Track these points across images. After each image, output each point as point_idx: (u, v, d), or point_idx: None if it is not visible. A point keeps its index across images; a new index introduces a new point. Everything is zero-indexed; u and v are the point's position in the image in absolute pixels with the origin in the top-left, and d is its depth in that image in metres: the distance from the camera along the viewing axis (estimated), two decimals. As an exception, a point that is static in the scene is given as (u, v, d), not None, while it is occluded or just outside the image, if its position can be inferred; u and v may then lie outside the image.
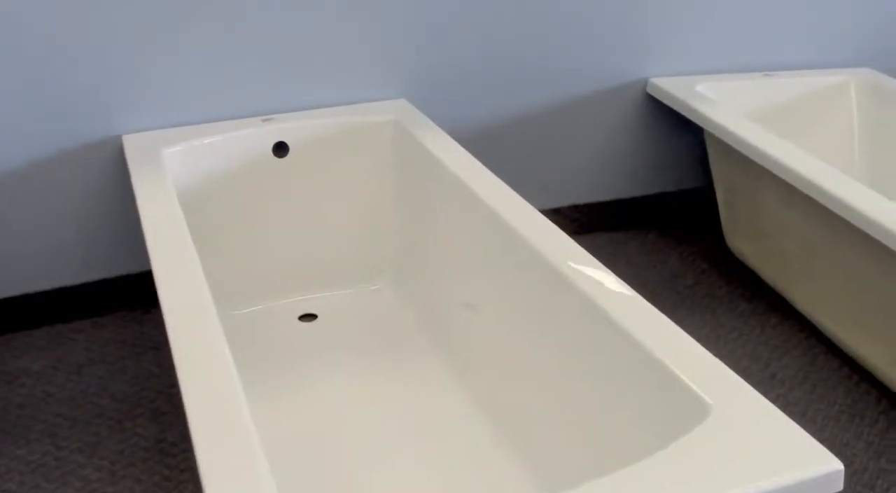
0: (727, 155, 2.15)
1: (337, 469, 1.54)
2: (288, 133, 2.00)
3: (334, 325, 1.97)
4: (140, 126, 1.95)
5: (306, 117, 2.02)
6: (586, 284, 1.37)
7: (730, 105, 2.30)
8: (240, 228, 2.00)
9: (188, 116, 1.98)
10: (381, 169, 2.05)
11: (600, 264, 1.42)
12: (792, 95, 2.37)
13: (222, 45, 1.93)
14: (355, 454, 1.57)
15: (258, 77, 1.99)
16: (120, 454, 1.66)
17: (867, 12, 2.46)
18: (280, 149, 2.00)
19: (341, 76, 2.06)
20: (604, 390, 1.32)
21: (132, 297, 2.09)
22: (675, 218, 2.56)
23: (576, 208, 2.45)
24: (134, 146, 1.88)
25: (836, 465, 1.00)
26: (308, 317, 2.01)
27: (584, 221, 2.48)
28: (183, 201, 1.88)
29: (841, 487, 1.00)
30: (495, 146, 2.28)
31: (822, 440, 1.69)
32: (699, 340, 1.99)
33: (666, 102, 2.25)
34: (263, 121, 2.00)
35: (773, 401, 1.80)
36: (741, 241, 2.23)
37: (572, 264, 1.42)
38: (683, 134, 2.46)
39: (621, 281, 1.38)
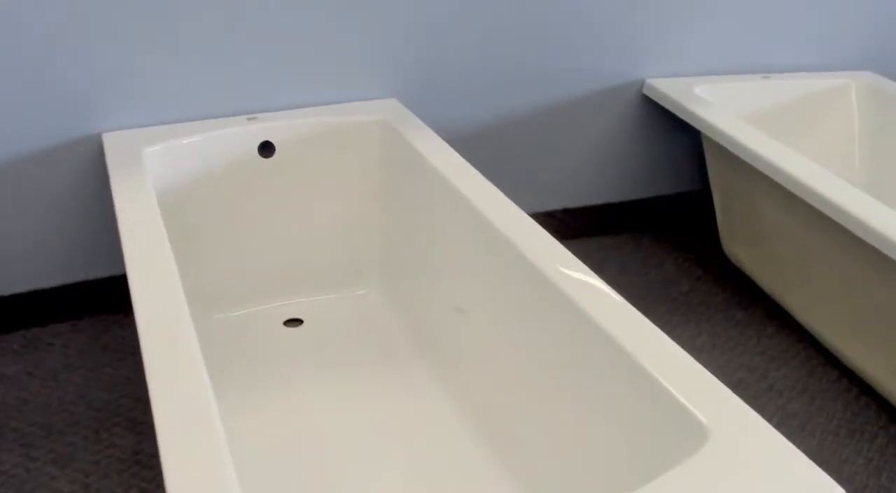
0: (724, 158, 2.09)
1: (317, 481, 1.49)
2: (274, 133, 1.94)
3: (320, 330, 1.92)
4: (122, 124, 1.89)
5: (293, 116, 1.96)
6: (575, 291, 1.32)
7: (727, 107, 2.25)
8: (224, 230, 1.94)
9: (172, 114, 1.92)
10: (368, 170, 1.99)
11: (590, 271, 1.37)
12: (791, 98, 2.32)
13: (208, 41, 1.86)
14: (337, 465, 1.52)
15: (244, 75, 1.93)
16: (95, 465, 1.60)
17: (868, 14, 2.41)
18: (266, 149, 1.94)
19: (330, 75, 2.00)
20: (596, 408, 1.26)
21: (112, 300, 2.03)
22: (670, 222, 2.51)
23: (569, 212, 2.40)
24: (114, 145, 1.82)
25: (838, 491, 0.95)
26: (293, 322, 1.95)
27: (578, 225, 2.43)
28: (165, 202, 1.82)
29: (842, 511, 0.95)
30: (489, 148, 2.22)
31: (821, 457, 1.64)
32: (694, 349, 1.94)
33: (662, 103, 2.20)
34: (249, 120, 1.94)
35: (771, 414, 1.75)
36: (738, 247, 2.18)
37: (561, 270, 1.37)
38: (680, 136, 2.40)
39: (611, 289, 1.33)
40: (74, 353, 1.90)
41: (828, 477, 0.96)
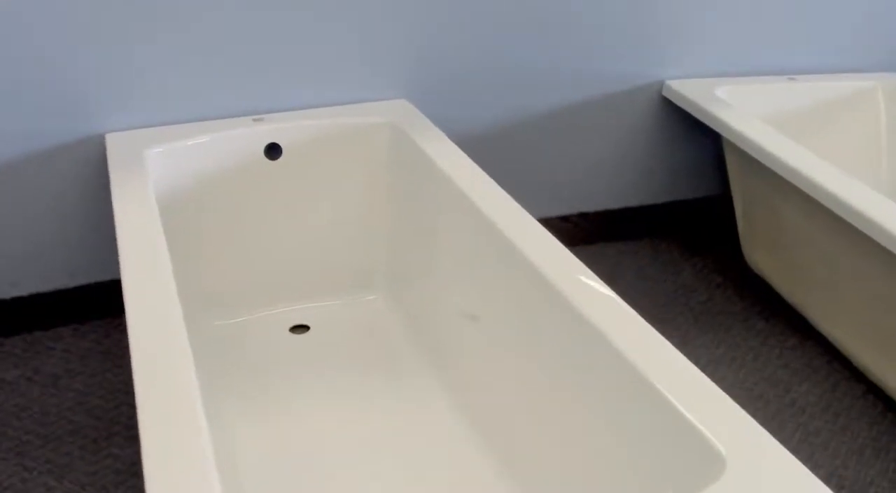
0: (746, 163, 2.02)
1: (320, 491, 1.44)
2: (281, 134, 1.89)
3: (326, 337, 1.87)
4: (126, 125, 1.85)
5: (300, 118, 1.91)
6: (584, 303, 1.26)
7: (750, 110, 2.17)
8: (229, 234, 1.89)
9: (177, 114, 1.87)
10: (377, 173, 1.94)
11: (600, 281, 1.31)
12: (816, 101, 2.24)
13: (214, 40, 1.82)
14: (341, 476, 1.47)
15: (251, 74, 1.88)
16: (92, 475, 1.55)
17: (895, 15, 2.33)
18: (272, 150, 1.89)
19: (339, 75, 1.95)
20: (605, 430, 1.20)
21: (116, 304, 1.99)
22: (689, 228, 2.44)
23: (585, 216, 2.33)
24: (116, 146, 1.77)
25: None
26: (300, 328, 1.90)
27: (594, 230, 2.36)
28: (168, 205, 1.78)
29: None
30: (502, 150, 2.16)
31: (845, 478, 1.57)
32: (713, 361, 1.87)
33: (682, 105, 2.13)
34: (255, 121, 1.89)
35: (792, 432, 1.68)
36: (759, 254, 2.10)
37: (570, 280, 1.31)
38: (700, 139, 2.33)
39: (623, 301, 1.27)
40: (76, 358, 1.86)
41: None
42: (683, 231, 2.43)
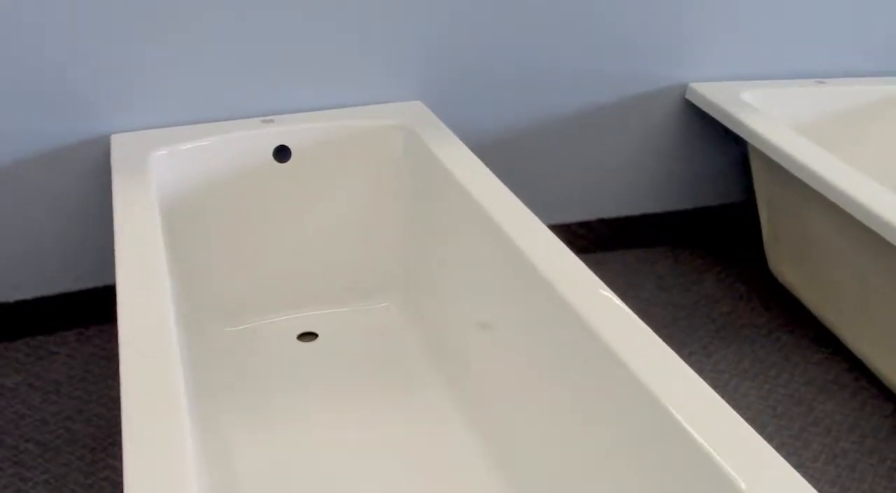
0: (772, 171, 1.94)
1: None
2: (290, 136, 1.84)
3: (335, 345, 1.82)
4: (133, 125, 1.80)
5: (311, 119, 1.86)
6: (596, 319, 1.20)
7: (777, 115, 2.09)
8: (236, 238, 1.84)
9: (184, 115, 1.82)
10: (389, 177, 1.88)
11: (613, 295, 1.25)
12: (847, 106, 2.15)
13: (222, 39, 1.76)
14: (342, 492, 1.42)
15: (260, 74, 1.83)
16: (88, 488, 1.51)
17: (933, 15, 2.24)
18: (281, 153, 1.83)
19: (352, 75, 1.89)
20: (618, 455, 1.14)
21: (121, 308, 1.95)
22: (712, 236, 2.36)
23: (605, 222, 2.26)
24: (121, 148, 1.73)
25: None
26: (308, 335, 1.85)
27: (614, 236, 2.29)
28: (173, 208, 1.73)
29: None
30: (520, 154, 2.10)
31: (872, 502, 1.50)
32: (735, 375, 1.80)
33: (706, 109, 2.05)
34: (264, 122, 1.84)
35: (817, 453, 1.61)
36: (785, 265, 2.03)
37: (580, 293, 1.25)
38: (725, 144, 2.25)
39: (634, 315, 1.21)
40: (79, 363, 1.82)
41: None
42: (706, 239, 2.35)
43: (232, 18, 1.75)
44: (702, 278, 2.17)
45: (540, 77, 2.01)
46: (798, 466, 1.58)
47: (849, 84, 2.17)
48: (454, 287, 1.70)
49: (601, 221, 2.27)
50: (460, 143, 1.74)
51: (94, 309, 1.93)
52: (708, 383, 1.79)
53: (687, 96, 2.13)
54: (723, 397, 1.76)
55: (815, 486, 1.54)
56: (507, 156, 2.09)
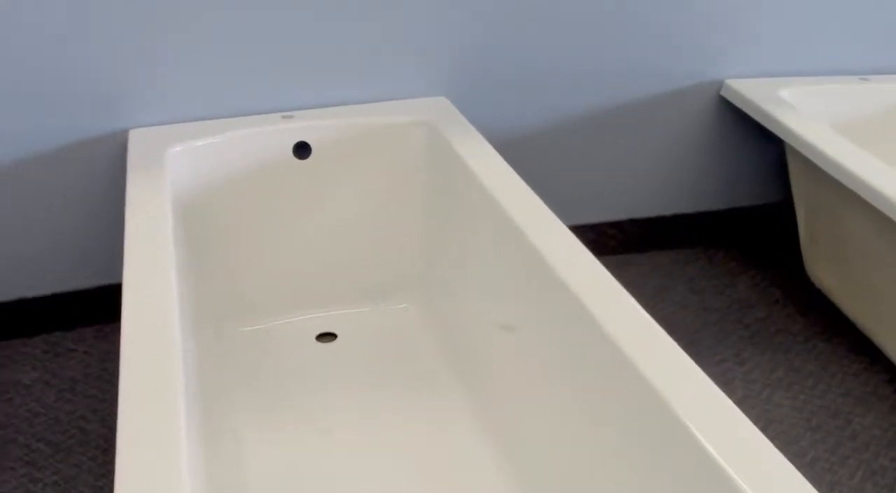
0: (811, 172, 1.86)
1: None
2: (310, 132, 1.79)
3: (354, 346, 1.77)
4: (152, 120, 1.77)
5: (332, 115, 1.81)
6: (614, 326, 1.14)
7: (817, 114, 2.01)
8: (254, 236, 1.81)
9: (204, 109, 1.79)
10: (411, 175, 1.83)
11: (635, 302, 1.19)
12: (891, 104, 2.06)
13: (243, 34, 1.72)
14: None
15: (280, 68, 1.79)
16: (97, 490, 1.48)
17: (985, 9, 2.13)
18: (301, 150, 1.79)
19: (374, 70, 1.84)
20: (633, 469, 1.08)
21: (139, 305, 1.92)
22: (746, 237, 2.28)
23: (636, 222, 2.20)
24: (138, 143, 1.70)
25: None
26: (326, 336, 1.81)
27: (645, 237, 2.22)
28: (190, 205, 1.70)
29: None
30: (548, 151, 2.04)
31: (912, 524, 1.42)
32: (768, 385, 1.73)
33: (742, 107, 1.98)
34: (284, 118, 1.80)
35: (853, 470, 1.53)
36: (823, 270, 1.94)
37: (601, 299, 1.19)
38: (761, 143, 2.17)
39: (651, 320, 1.15)
40: (95, 361, 1.80)
41: None
42: (740, 241, 2.27)
43: (253, 12, 1.70)
44: (735, 282, 2.10)
45: (569, 74, 1.95)
46: (833, 483, 1.51)
47: (892, 82, 2.07)
48: (473, 288, 1.65)
49: (632, 221, 2.20)
50: (483, 140, 1.69)
51: (113, 306, 1.91)
52: (739, 393, 1.73)
53: (722, 93, 2.05)
54: (755, 407, 1.69)
55: (850, 504, 1.47)
56: (535, 153, 2.03)
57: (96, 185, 1.79)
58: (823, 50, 2.08)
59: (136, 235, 1.36)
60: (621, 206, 2.18)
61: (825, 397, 1.72)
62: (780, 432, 1.63)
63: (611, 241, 2.21)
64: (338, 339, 1.80)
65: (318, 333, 1.82)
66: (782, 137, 1.83)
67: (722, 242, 2.27)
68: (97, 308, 1.91)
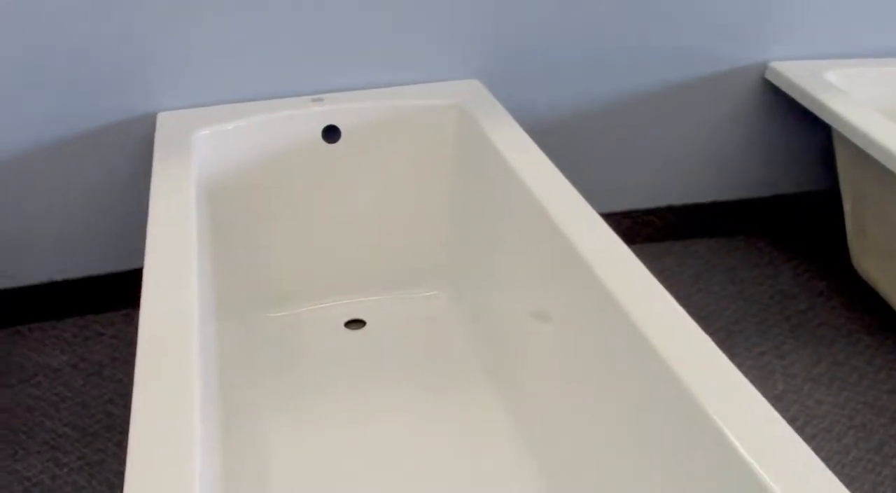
0: (859, 158, 1.79)
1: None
2: (340, 116, 1.76)
3: (382, 334, 1.75)
4: (181, 103, 1.75)
5: (362, 99, 1.78)
6: (644, 315, 1.09)
7: (866, 98, 1.92)
8: (281, 221, 1.78)
9: (232, 92, 1.76)
10: (441, 160, 1.79)
11: (667, 294, 1.14)
12: (945, 88, 1.97)
13: (273, 14, 1.69)
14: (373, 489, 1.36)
15: (311, 51, 1.75)
16: (122, 476, 1.47)
17: None
18: (331, 133, 1.76)
19: (406, 52, 1.80)
20: (665, 478, 1.03)
21: (168, 289, 1.91)
22: (790, 226, 2.21)
23: (674, 210, 2.13)
24: (166, 126, 1.68)
25: None
26: (355, 323, 1.78)
27: (683, 225, 2.16)
28: (217, 189, 1.68)
29: None
30: (583, 136, 1.98)
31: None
32: (809, 379, 1.67)
33: (787, 91, 1.90)
34: (314, 101, 1.77)
35: (898, 471, 1.47)
36: (869, 261, 1.87)
37: (631, 288, 1.14)
38: (807, 129, 2.09)
39: (683, 311, 1.09)
40: (123, 345, 1.80)
41: None
42: (783, 229, 2.20)
43: (280, -8, 1.67)
44: (777, 272, 2.03)
45: (606, 55, 1.89)
46: (877, 484, 1.45)
47: (949, 64, 1.98)
48: (503, 277, 1.61)
49: (670, 209, 2.13)
50: (515, 124, 1.64)
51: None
52: (780, 387, 1.67)
53: (766, 76, 1.98)
54: (795, 402, 1.63)
55: (894, 506, 1.41)
56: (570, 138, 1.98)
57: (127, 168, 1.78)
58: (873, 30, 1.99)
59: (159, 219, 1.34)
60: (659, 192, 2.12)
61: (869, 393, 1.65)
62: (822, 429, 1.57)
63: (647, 228, 2.15)
64: (366, 326, 1.77)
65: (346, 320, 1.79)
66: (829, 122, 1.76)
67: (764, 231, 2.20)
68: (127, 292, 1.90)
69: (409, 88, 1.83)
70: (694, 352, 1.03)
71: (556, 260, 1.34)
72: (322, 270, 1.83)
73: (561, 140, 1.97)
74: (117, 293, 1.89)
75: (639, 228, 2.14)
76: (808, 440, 1.55)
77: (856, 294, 1.94)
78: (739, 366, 1.72)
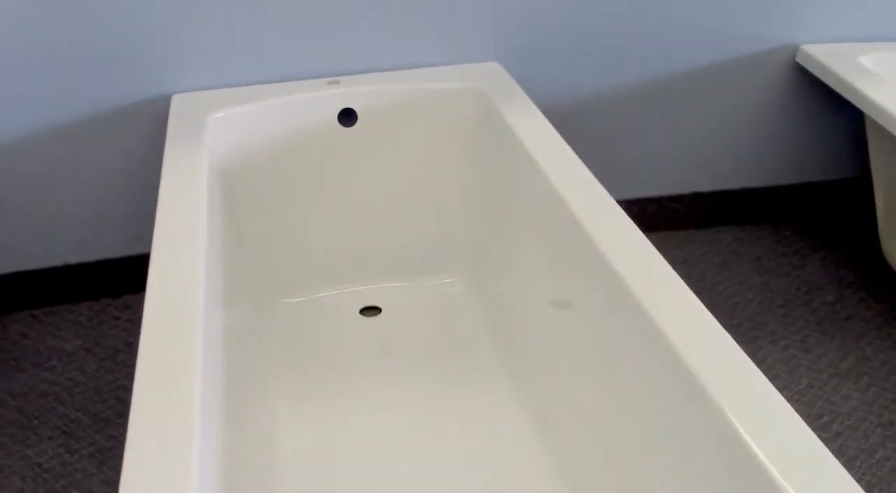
0: (892, 146, 1.72)
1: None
2: (357, 99, 1.73)
3: (398, 321, 1.72)
4: (196, 85, 1.72)
5: (379, 81, 1.74)
6: (658, 306, 1.06)
7: (901, 82, 1.86)
8: (296, 206, 1.76)
9: (248, 74, 1.73)
10: (459, 144, 1.75)
11: (686, 288, 1.09)
12: (985, 72, 1.90)
13: (285, -6, 1.66)
14: (385, 479, 1.33)
15: (327, 32, 1.72)
16: (133, 463, 1.46)
17: None
18: (347, 116, 1.73)
19: (424, 33, 1.76)
20: (680, 481, 1.00)
21: (183, 273, 1.89)
22: (818, 215, 2.15)
23: (700, 196, 2.08)
24: (180, 109, 1.65)
25: None
26: (371, 310, 1.76)
27: (709, 212, 2.11)
28: (231, 173, 1.66)
29: None
30: (606, 120, 1.93)
31: None
32: (836, 374, 1.62)
33: (819, 75, 1.84)
34: (330, 83, 1.73)
35: (927, 471, 1.42)
36: (901, 251, 1.81)
37: (646, 279, 1.10)
38: (839, 114, 2.03)
39: (699, 303, 1.05)
40: (138, 329, 1.78)
41: None
42: (812, 218, 2.14)
43: (295, -28, 1.64)
44: (804, 262, 1.97)
45: (631, 37, 1.84)
46: (903, 484, 1.40)
47: None
48: (520, 264, 1.57)
49: (696, 195, 2.08)
50: (535, 108, 1.60)
51: (157, 274, 1.88)
52: (804, 382, 1.62)
53: (797, 59, 1.92)
54: (820, 398, 1.58)
55: (922, 507, 1.36)
56: (593, 122, 1.93)
57: (142, 150, 1.76)
58: (911, 13, 1.92)
59: (169, 203, 1.31)
60: (684, 179, 2.07)
61: (898, 389, 1.60)
62: (847, 426, 1.52)
63: (672, 215, 2.11)
64: (382, 313, 1.75)
65: (362, 306, 1.77)
66: (862, 107, 1.70)
67: (791, 219, 2.14)
68: (143, 276, 1.89)
69: (427, 70, 1.79)
70: (710, 347, 0.99)
71: (572, 249, 1.30)
72: (337, 256, 1.81)
73: (583, 124, 1.93)
74: (133, 277, 1.88)
75: (664, 214, 2.09)
76: (834, 438, 1.50)
77: (885, 286, 1.88)
78: (764, 360, 1.68)
